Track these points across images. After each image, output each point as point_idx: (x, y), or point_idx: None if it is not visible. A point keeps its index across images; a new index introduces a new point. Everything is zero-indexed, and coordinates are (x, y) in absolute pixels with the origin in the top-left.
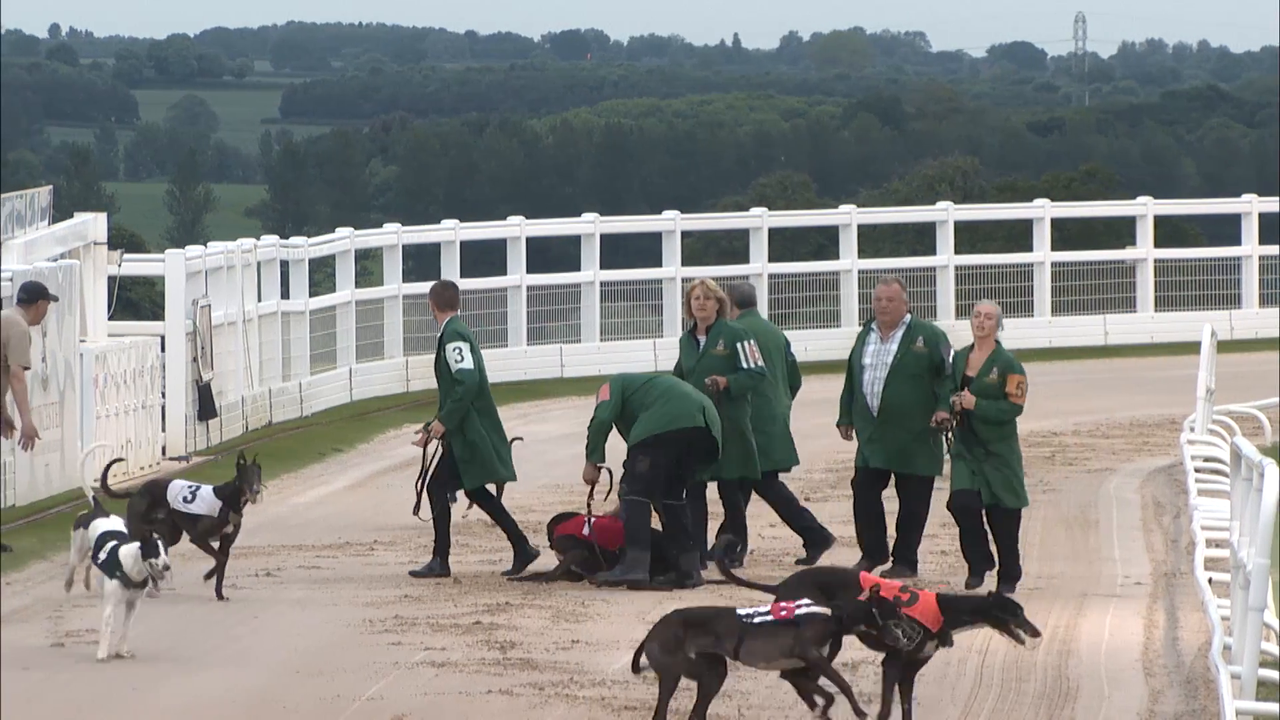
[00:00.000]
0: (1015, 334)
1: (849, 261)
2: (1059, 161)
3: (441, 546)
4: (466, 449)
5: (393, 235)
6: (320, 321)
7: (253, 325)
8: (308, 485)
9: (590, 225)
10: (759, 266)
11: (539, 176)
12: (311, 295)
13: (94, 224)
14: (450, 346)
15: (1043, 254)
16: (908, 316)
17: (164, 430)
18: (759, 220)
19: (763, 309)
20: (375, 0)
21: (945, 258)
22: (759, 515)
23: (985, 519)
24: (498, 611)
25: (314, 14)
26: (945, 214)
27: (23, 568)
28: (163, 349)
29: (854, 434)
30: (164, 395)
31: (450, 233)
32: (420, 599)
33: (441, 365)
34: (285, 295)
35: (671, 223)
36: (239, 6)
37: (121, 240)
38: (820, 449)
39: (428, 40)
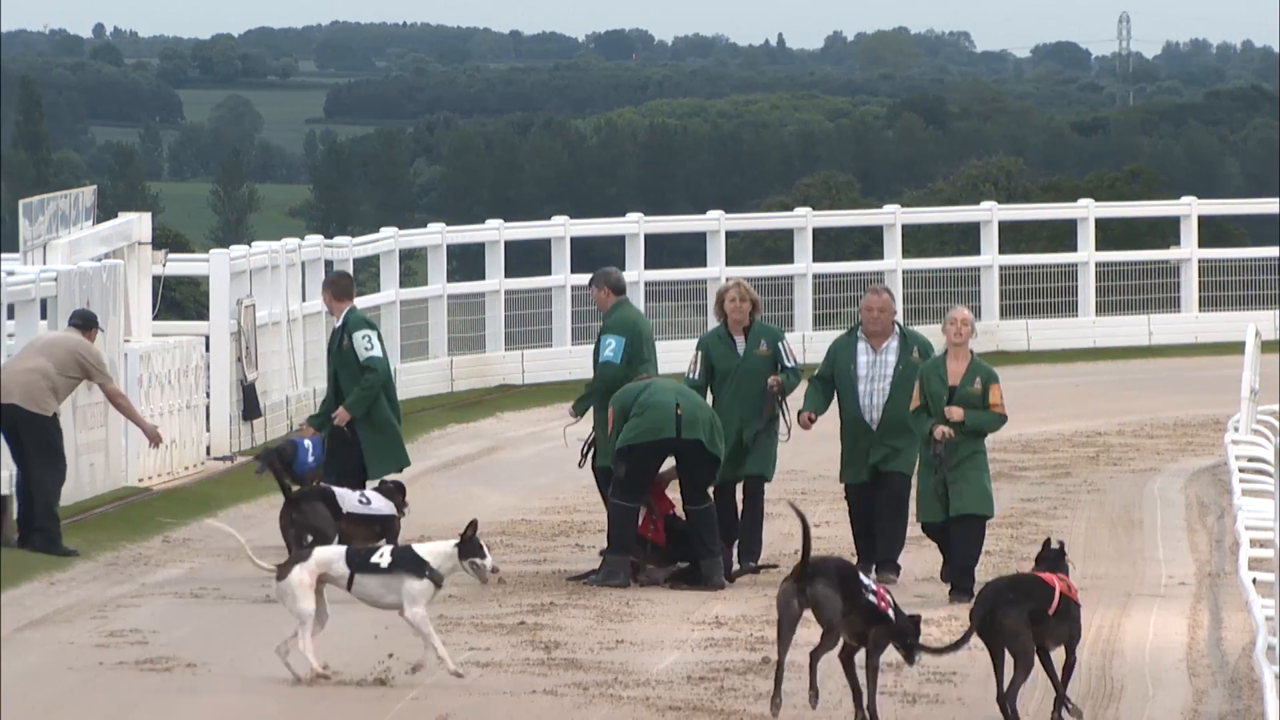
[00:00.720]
0: (1059, 334)
1: (893, 261)
2: (1103, 161)
3: None
4: (375, 434)
5: (437, 235)
6: None
7: (297, 325)
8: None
9: (634, 225)
10: (803, 266)
11: (583, 176)
12: (356, 295)
13: (138, 224)
14: (359, 335)
15: (1087, 254)
16: (896, 325)
17: (208, 430)
18: (803, 220)
19: (807, 309)
20: (419, 0)
21: (989, 258)
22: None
23: (951, 528)
24: (542, 612)
25: (358, 14)
26: (989, 214)
27: (66, 567)
28: (207, 349)
29: (812, 422)
30: (208, 395)
31: (495, 233)
32: (465, 599)
33: (347, 355)
34: None
35: (716, 223)
36: (283, 6)
37: (166, 240)
38: None
39: (472, 40)
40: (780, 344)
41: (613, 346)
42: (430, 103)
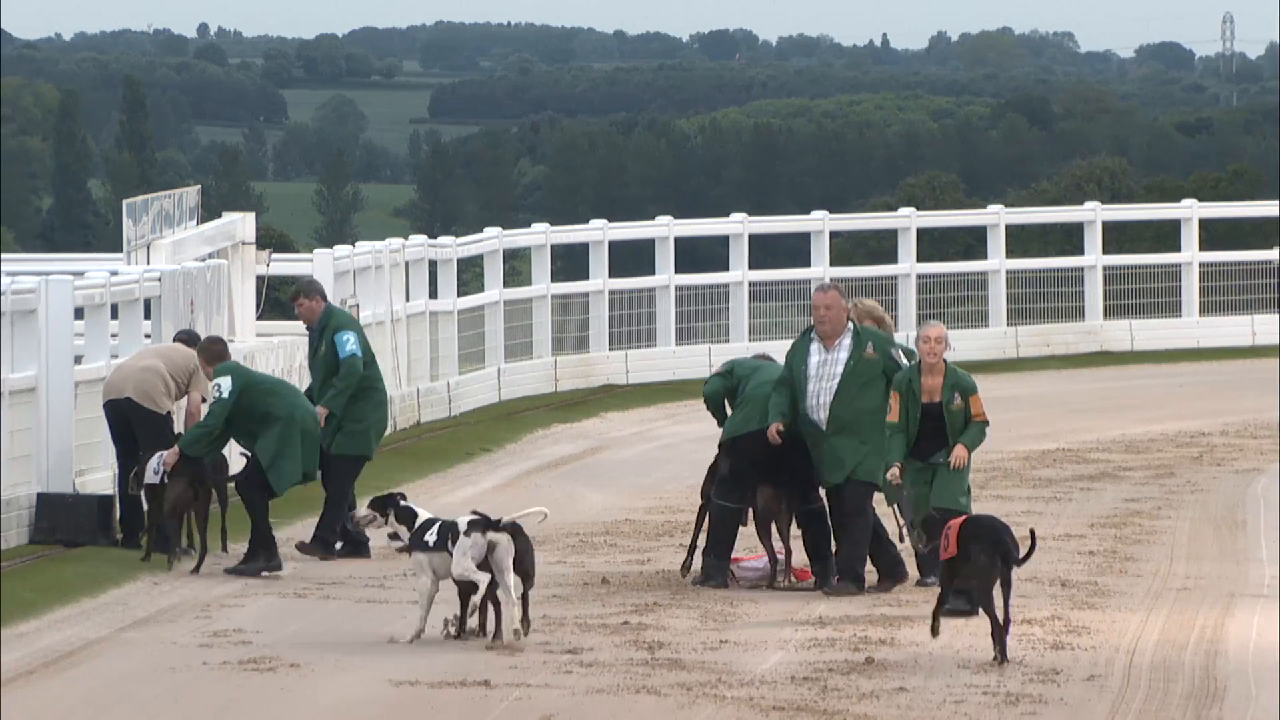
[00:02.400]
0: (1162, 334)
1: (997, 262)
2: (1206, 162)
3: (264, 540)
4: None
5: (541, 235)
6: (468, 321)
7: (401, 325)
8: (456, 485)
9: (739, 225)
10: (907, 267)
11: (687, 176)
12: (460, 295)
13: (242, 224)
14: (210, 384)
15: (1190, 254)
16: (850, 324)
17: None
18: (907, 220)
19: (911, 309)
20: (524, 0)
21: (1093, 258)
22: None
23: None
24: (645, 611)
25: (463, 14)
26: (1093, 214)
27: (170, 568)
28: None
29: (780, 435)
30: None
31: (599, 233)
32: (568, 599)
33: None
34: (433, 295)
35: (820, 223)
36: (388, 6)
37: (270, 240)
38: None
39: (576, 40)
40: (890, 349)
41: (352, 340)
42: (534, 103)
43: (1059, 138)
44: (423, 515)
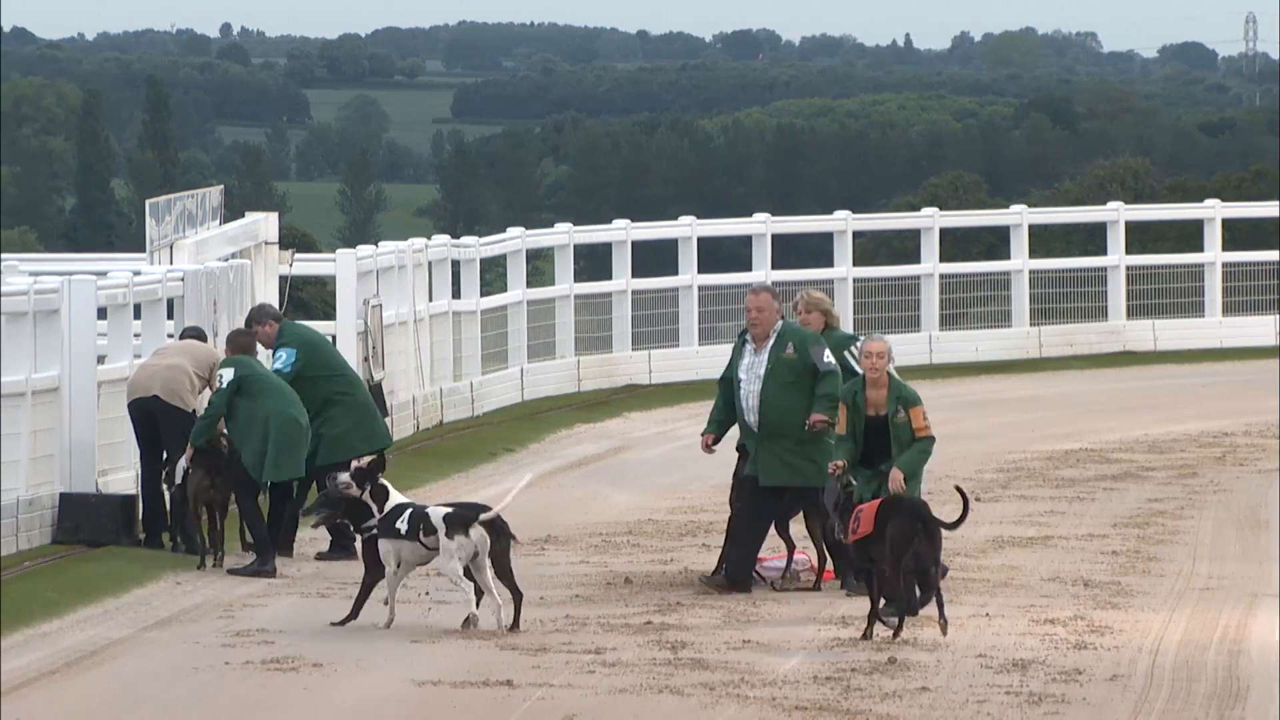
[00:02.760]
0: (1185, 334)
1: (1020, 261)
2: (1229, 162)
3: (261, 545)
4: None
5: (564, 235)
6: (491, 321)
7: (424, 325)
8: (479, 485)
9: (761, 225)
10: (930, 266)
11: (710, 176)
12: (483, 295)
13: (265, 224)
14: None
15: (1213, 254)
16: (779, 324)
17: None
18: (930, 220)
19: (934, 309)
20: (547, 0)
21: (1116, 258)
22: None
23: None
24: (668, 611)
25: (486, 14)
26: (1116, 214)
27: (192, 567)
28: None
29: (715, 446)
30: None
31: (622, 233)
32: (591, 599)
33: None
34: (456, 295)
35: (843, 223)
36: (411, 6)
37: (293, 240)
38: (992, 449)
39: (599, 40)
40: (811, 347)
41: (283, 358)
42: (557, 102)
43: (1082, 138)
44: (395, 498)
